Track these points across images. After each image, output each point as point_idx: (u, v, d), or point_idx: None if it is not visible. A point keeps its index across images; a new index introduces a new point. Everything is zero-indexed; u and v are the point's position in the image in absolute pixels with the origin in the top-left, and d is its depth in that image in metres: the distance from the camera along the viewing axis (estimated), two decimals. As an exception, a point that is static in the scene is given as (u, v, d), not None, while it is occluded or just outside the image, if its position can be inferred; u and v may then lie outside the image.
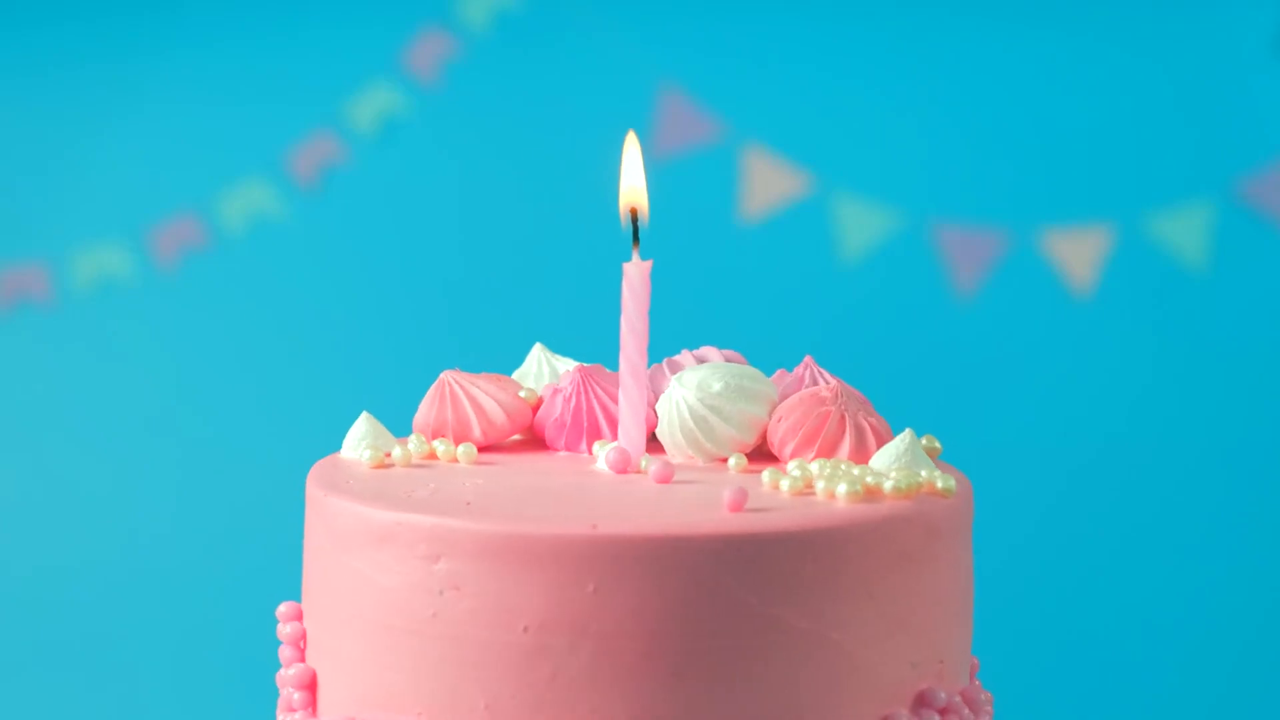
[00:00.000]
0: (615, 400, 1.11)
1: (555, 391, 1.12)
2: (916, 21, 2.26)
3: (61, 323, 2.40)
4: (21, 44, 2.41)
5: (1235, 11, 2.20)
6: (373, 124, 2.36)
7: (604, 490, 1.04)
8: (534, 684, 0.96)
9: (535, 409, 1.14)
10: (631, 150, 1.12)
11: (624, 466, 1.06)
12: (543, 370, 1.18)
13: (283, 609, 1.08)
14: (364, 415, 1.10)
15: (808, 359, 1.16)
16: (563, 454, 1.12)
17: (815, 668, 0.98)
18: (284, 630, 1.07)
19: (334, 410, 2.33)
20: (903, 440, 1.06)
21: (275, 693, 1.11)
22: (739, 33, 2.30)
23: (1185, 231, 2.19)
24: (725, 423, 1.09)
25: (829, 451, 1.07)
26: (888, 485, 1.01)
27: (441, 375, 1.12)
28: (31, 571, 2.38)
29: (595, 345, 1.21)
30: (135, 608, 2.35)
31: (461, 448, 1.09)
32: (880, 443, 1.07)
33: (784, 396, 1.10)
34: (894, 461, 1.05)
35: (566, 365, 1.18)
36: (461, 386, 1.12)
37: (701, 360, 1.14)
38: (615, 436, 1.10)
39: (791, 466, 1.04)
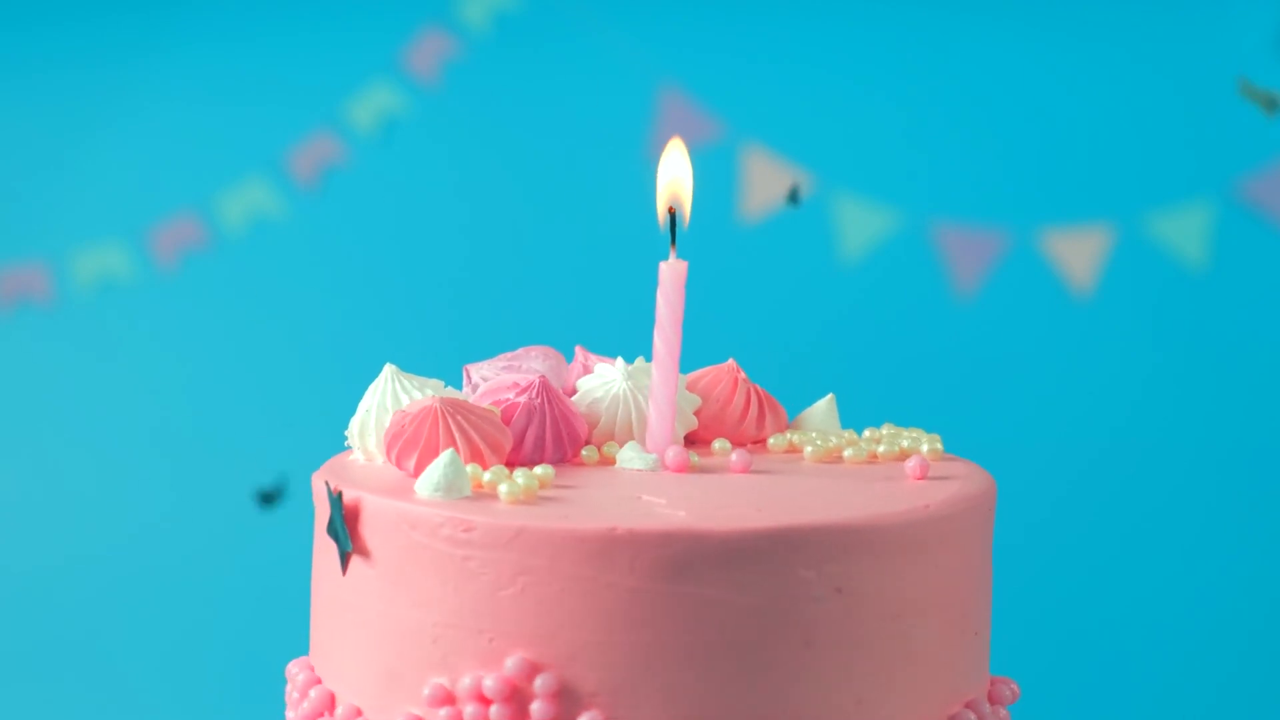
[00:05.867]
0: (566, 404, 1.11)
1: (522, 407, 1.08)
2: (916, 22, 2.26)
3: (61, 323, 2.40)
4: (21, 44, 2.41)
5: (1235, 11, 2.20)
6: (373, 124, 2.36)
7: (732, 485, 1.05)
8: (898, 666, 0.99)
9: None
10: (676, 153, 1.12)
11: (683, 465, 1.08)
12: (398, 393, 1.12)
13: (515, 663, 0.96)
14: (450, 452, 1.01)
15: (579, 348, 1.17)
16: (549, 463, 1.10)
17: (985, 611, 1.08)
18: (538, 684, 0.96)
19: (334, 410, 2.33)
20: (827, 402, 1.18)
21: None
22: (739, 33, 2.30)
23: (1185, 231, 2.19)
24: (688, 409, 1.14)
25: (783, 422, 1.16)
26: (925, 447, 1.13)
27: (433, 404, 1.05)
28: (31, 571, 2.38)
29: (597, 343, 1.21)
30: (134, 608, 2.35)
31: (540, 469, 1.03)
32: (768, 404, 1.16)
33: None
34: (829, 420, 1.17)
35: (428, 386, 1.13)
36: (468, 410, 1.06)
37: (517, 360, 1.15)
38: (584, 439, 1.11)
39: (860, 435, 1.14)
